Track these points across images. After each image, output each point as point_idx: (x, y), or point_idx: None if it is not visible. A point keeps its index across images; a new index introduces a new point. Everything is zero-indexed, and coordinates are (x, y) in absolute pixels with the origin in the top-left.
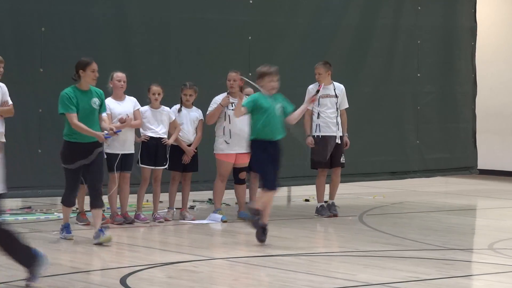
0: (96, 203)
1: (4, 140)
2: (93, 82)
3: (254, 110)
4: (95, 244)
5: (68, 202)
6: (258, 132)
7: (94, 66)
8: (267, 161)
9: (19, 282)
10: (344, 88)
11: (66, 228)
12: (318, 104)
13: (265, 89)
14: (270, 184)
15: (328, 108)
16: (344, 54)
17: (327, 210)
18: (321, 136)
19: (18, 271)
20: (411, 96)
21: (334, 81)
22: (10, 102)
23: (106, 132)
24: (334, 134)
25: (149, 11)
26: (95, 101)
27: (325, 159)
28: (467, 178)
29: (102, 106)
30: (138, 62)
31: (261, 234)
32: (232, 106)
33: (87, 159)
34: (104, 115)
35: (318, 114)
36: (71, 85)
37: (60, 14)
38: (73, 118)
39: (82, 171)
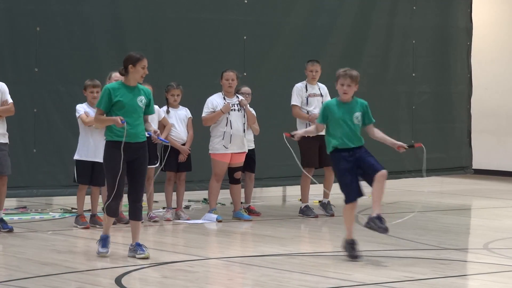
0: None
1: (7, 141)
2: (141, 80)
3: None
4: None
5: (109, 210)
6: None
7: (145, 62)
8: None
9: (18, 282)
10: (326, 88)
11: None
12: (307, 103)
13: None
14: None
15: (316, 107)
16: (339, 54)
17: (312, 211)
18: (312, 136)
19: (18, 272)
20: (406, 96)
21: (329, 81)
22: (10, 101)
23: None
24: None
25: (143, 10)
26: (142, 99)
27: (316, 159)
28: (462, 178)
29: (149, 107)
30: None
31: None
32: (233, 106)
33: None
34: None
35: (308, 113)
36: (65, 85)
37: (55, 14)
38: (97, 112)
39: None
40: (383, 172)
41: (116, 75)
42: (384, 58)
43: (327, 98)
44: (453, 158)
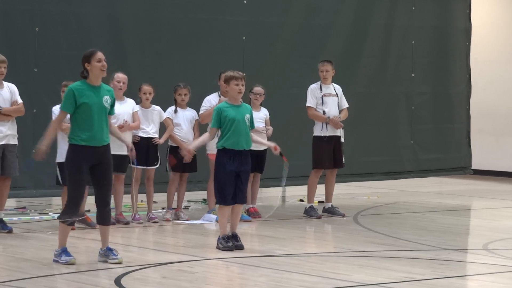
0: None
1: (16, 142)
2: (102, 73)
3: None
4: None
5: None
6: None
7: (100, 55)
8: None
9: (18, 283)
10: (340, 88)
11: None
12: (322, 103)
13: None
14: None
15: (332, 108)
16: (338, 54)
17: (316, 211)
18: (328, 136)
19: (17, 272)
20: (405, 96)
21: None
22: (20, 101)
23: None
24: (339, 134)
25: (141, 11)
26: (107, 99)
27: (328, 161)
28: (461, 178)
29: (112, 107)
30: (131, 62)
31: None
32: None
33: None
34: (113, 118)
35: (324, 113)
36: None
37: (54, 15)
38: (60, 115)
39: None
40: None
41: (118, 75)
42: (383, 58)
43: (342, 98)
44: (452, 158)
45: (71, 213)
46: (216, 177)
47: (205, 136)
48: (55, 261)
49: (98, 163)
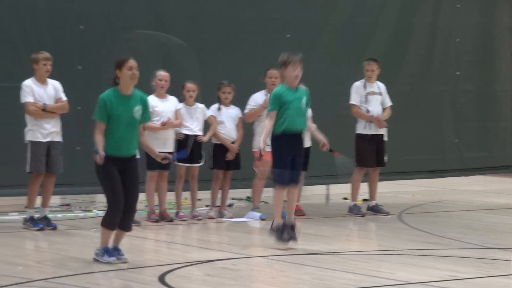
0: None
1: (61, 139)
2: (132, 82)
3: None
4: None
5: (107, 222)
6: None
7: (131, 63)
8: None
9: (62, 279)
10: (384, 86)
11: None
12: (366, 101)
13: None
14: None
15: (376, 106)
16: (382, 52)
17: (360, 210)
18: (371, 134)
19: (62, 269)
20: (449, 94)
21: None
22: (64, 98)
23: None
24: (382, 132)
25: (185, 8)
26: (138, 109)
27: (371, 159)
28: (506, 177)
29: (145, 115)
30: (174, 60)
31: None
32: None
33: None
34: (156, 115)
35: (367, 111)
36: (108, 83)
37: (98, 12)
38: (99, 127)
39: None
40: None
41: (160, 73)
42: (427, 56)
43: (386, 96)
44: (497, 157)
45: (112, 220)
46: (275, 158)
47: (267, 125)
48: (95, 260)
49: (124, 171)
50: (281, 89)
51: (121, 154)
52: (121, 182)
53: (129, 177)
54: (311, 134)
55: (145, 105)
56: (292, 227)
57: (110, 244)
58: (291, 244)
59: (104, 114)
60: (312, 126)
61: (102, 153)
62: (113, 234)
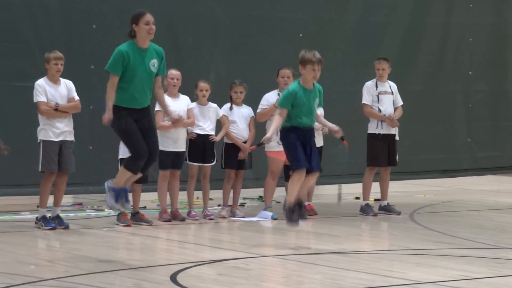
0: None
1: (73, 139)
2: (149, 36)
3: None
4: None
5: (130, 166)
6: None
7: (148, 17)
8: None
9: (74, 278)
10: (396, 86)
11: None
12: (378, 100)
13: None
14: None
15: (387, 106)
16: (395, 51)
17: (372, 209)
18: (383, 134)
19: (74, 268)
20: (462, 94)
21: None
22: (77, 98)
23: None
24: (393, 132)
25: (198, 7)
26: (154, 63)
27: (383, 159)
28: None
29: (161, 68)
30: (187, 59)
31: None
32: None
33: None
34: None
35: (379, 111)
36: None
37: (110, 12)
38: (113, 80)
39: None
40: None
41: (172, 72)
42: (440, 56)
43: (397, 96)
44: (509, 156)
45: (136, 166)
46: (287, 147)
47: (277, 119)
48: (105, 188)
49: (139, 120)
50: (297, 87)
51: (136, 105)
52: (141, 133)
53: (146, 125)
54: (322, 124)
55: (161, 58)
56: (300, 204)
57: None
58: (300, 224)
59: (119, 66)
60: (321, 117)
61: (109, 114)
62: None
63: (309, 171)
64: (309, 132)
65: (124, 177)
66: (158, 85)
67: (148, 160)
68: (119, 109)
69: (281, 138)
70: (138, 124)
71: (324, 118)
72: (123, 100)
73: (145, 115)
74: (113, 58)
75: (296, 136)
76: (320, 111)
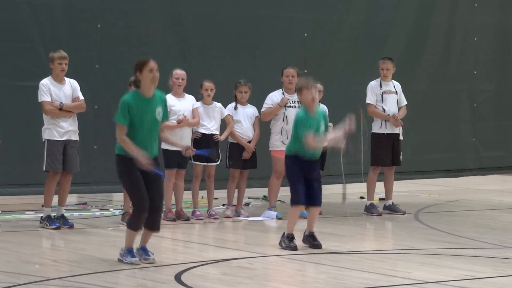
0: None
1: (77, 138)
2: (152, 85)
3: None
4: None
5: (132, 223)
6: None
7: (151, 65)
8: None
9: (79, 278)
10: (400, 85)
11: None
12: (382, 100)
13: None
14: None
15: (392, 105)
16: (400, 51)
17: (376, 209)
18: (387, 133)
19: (78, 267)
20: (467, 93)
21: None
22: (82, 97)
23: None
24: (397, 131)
25: (203, 7)
26: (159, 111)
27: (387, 158)
28: None
29: (164, 114)
30: (192, 59)
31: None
32: (293, 103)
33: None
34: (172, 114)
35: (383, 110)
36: (125, 82)
37: (115, 11)
38: (122, 131)
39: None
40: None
41: (177, 72)
42: (445, 55)
43: (401, 95)
44: None
45: (138, 221)
46: (289, 177)
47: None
48: (119, 260)
49: (147, 172)
50: (303, 115)
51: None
52: (145, 183)
53: (152, 177)
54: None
55: (164, 104)
56: (313, 237)
57: (138, 245)
58: (315, 249)
59: (127, 117)
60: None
61: (141, 153)
62: (140, 235)
63: (311, 204)
64: (313, 165)
65: (130, 237)
66: (160, 129)
67: (153, 211)
68: (125, 159)
69: (285, 164)
70: (144, 175)
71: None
72: (126, 150)
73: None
74: (120, 109)
75: (299, 168)
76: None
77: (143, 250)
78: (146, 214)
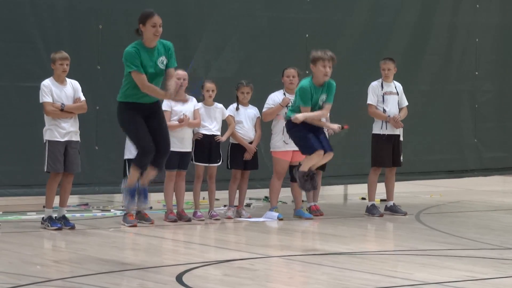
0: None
1: (78, 139)
2: (154, 38)
3: None
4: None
5: (137, 162)
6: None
7: (155, 19)
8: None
9: (80, 279)
10: (401, 86)
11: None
12: (383, 101)
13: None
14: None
15: (392, 106)
16: (401, 52)
17: (378, 210)
18: (387, 134)
19: (79, 268)
20: (468, 94)
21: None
22: (83, 98)
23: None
24: (398, 132)
25: (205, 8)
26: (162, 60)
27: (387, 159)
28: None
29: (170, 61)
30: (194, 59)
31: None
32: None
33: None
34: (174, 115)
35: (384, 111)
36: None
37: (117, 12)
38: (142, 77)
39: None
40: None
41: (178, 72)
42: (446, 56)
43: (402, 96)
44: None
45: (143, 162)
46: (298, 138)
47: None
48: (121, 189)
49: (150, 116)
50: (309, 85)
51: (145, 101)
52: (150, 127)
53: (157, 121)
54: (325, 127)
55: (170, 52)
56: (313, 176)
57: (140, 183)
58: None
59: (137, 62)
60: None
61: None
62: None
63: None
64: (316, 126)
65: (134, 175)
66: (170, 76)
67: (159, 155)
68: (125, 105)
69: (289, 130)
70: (147, 120)
71: (328, 119)
72: (131, 96)
73: (154, 110)
74: (128, 58)
75: (304, 127)
76: (326, 109)
77: (144, 191)
78: (151, 155)
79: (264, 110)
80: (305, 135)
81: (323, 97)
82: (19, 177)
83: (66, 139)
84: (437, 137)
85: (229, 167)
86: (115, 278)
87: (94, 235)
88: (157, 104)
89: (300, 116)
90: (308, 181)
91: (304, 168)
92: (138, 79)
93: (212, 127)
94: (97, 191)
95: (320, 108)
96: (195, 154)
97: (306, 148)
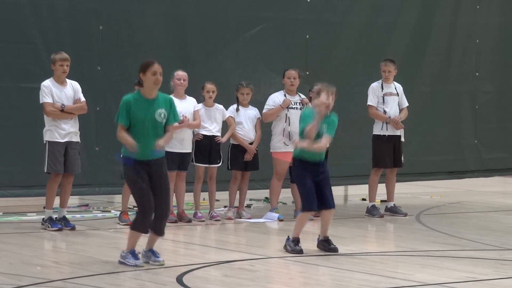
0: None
1: (78, 140)
2: (155, 87)
3: None
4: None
5: (136, 225)
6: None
7: (155, 68)
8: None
9: (80, 280)
10: (401, 87)
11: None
12: (383, 102)
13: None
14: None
15: (393, 107)
16: (402, 52)
17: (378, 211)
18: (388, 135)
19: (80, 269)
20: (469, 95)
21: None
22: (83, 99)
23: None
24: (399, 133)
25: (205, 9)
26: (161, 112)
27: (388, 160)
28: None
29: (170, 117)
30: (194, 60)
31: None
32: (294, 104)
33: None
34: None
35: (384, 112)
36: (127, 84)
37: (117, 13)
38: (120, 129)
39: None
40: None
41: (178, 73)
42: (447, 57)
43: (403, 97)
44: None
45: (142, 224)
46: (297, 182)
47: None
48: (120, 262)
49: (152, 175)
50: (309, 113)
51: (146, 158)
52: (151, 186)
53: (158, 182)
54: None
55: (171, 107)
56: (328, 241)
57: (145, 247)
58: (331, 252)
59: (126, 116)
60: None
61: (131, 141)
62: (146, 237)
63: (323, 208)
64: (319, 167)
65: (134, 238)
66: (166, 131)
67: (158, 218)
68: (129, 160)
69: (293, 167)
70: (151, 179)
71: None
72: (129, 151)
73: (158, 169)
74: (120, 108)
75: (306, 171)
76: (325, 139)
77: (152, 252)
78: (151, 216)
79: (264, 111)
80: (305, 183)
81: (324, 127)
82: (20, 178)
83: (66, 140)
84: (437, 138)
85: (230, 168)
86: (116, 279)
87: (95, 236)
88: (159, 160)
89: (300, 144)
90: (298, 244)
91: (296, 233)
92: (118, 129)
93: (212, 128)
94: (98, 192)
95: (320, 136)
96: (195, 155)
97: (303, 200)
